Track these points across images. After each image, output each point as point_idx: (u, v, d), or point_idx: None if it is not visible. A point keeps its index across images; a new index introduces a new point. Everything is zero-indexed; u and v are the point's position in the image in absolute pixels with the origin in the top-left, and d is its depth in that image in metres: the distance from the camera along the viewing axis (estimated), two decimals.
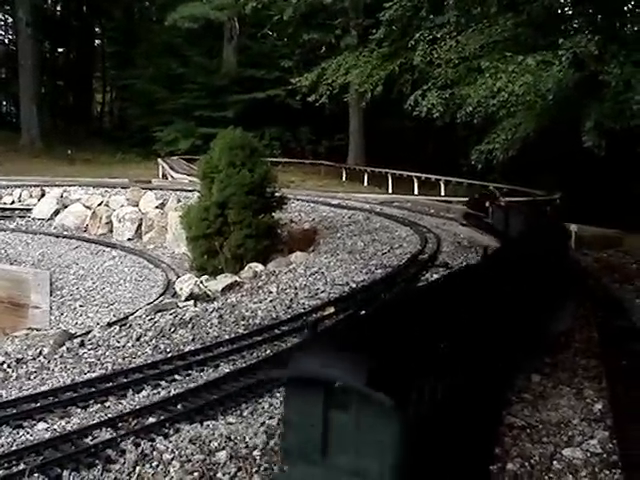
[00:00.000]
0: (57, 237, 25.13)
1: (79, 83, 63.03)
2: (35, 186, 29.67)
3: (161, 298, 16.86)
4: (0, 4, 60.61)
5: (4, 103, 66.41)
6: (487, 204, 21.63)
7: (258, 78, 46.85)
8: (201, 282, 15.59)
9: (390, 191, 34.70)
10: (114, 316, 16.47)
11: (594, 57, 15.56)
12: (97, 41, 67.22)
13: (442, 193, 31.98)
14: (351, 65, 27.84)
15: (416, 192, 32.98)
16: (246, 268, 16.99)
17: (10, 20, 61.64)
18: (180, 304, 13.96)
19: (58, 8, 64.36)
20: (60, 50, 64.93)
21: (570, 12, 24.78)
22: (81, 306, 19.01)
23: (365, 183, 38.65)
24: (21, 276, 20.30)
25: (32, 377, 9.51)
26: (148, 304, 15.90)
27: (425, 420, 4.16)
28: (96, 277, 21.28)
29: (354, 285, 13.90)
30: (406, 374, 4.03)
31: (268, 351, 10.01)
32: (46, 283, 20.23)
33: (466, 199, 25.21)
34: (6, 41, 65.07)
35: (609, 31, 17.64)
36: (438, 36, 20.42)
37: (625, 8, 19.73)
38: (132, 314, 14.31)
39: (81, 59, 61.65)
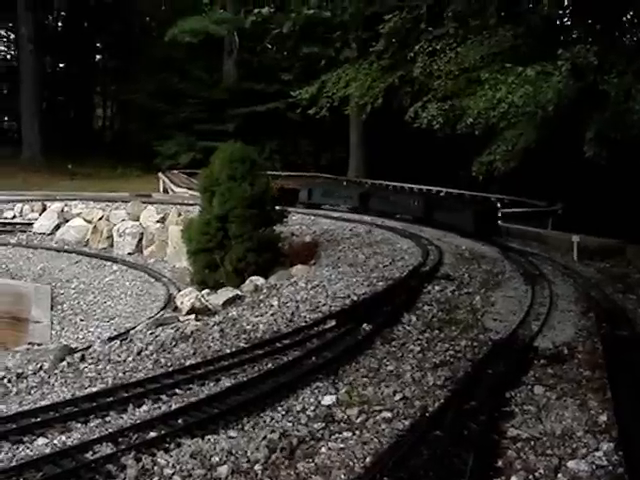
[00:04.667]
0: (58, 251, 25.09)
1: (80, 98, 63.22)
2: (36, 200, 29.69)
3: (162, 312, 16.80)
4: (3, 21, 61.04)
5: (6, 118, 66.63)
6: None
7: (258, 91, 46.92)
8: (202, 296, 15.52)
9: None
10: (115, 330, 16.41)
11: (594, 67, 15.58)
12: (98, 56, 67.51)
13: None
14: (351, 78, 27.96)
15: None
16: (247, 282, 16.90)
17: (12, 36, 61.98)
18: (181, 318, 13.91)
19: (59, 24, 64.64)
20: (61, 65, 65.16)
21: (569, 23, 24.87)
22: (82, 320, 18.95)
23: None
24: (22, 291, 20.27)
25: (32, 392, 9.45)
26: (149, 318, 15.85)
27: None
28: (97, 291, 21.23)
29: (355, 298, 13.85)
30: None
31: (270, 365, 9.94)
32: (47, 297, 20.19)
33: None
34: (8, 57, 65.41)
35: (608, 41, 17.68)
36: (438, 48, 20.50)
37: (624, 18, 19.79)
38: (133, 328, 14.26)
39: (82, 74, 61.72)
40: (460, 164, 27.17)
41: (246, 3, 44.35)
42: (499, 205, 28.92)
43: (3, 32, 64.80)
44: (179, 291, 18.47)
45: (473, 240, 20.80)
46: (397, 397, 8.59)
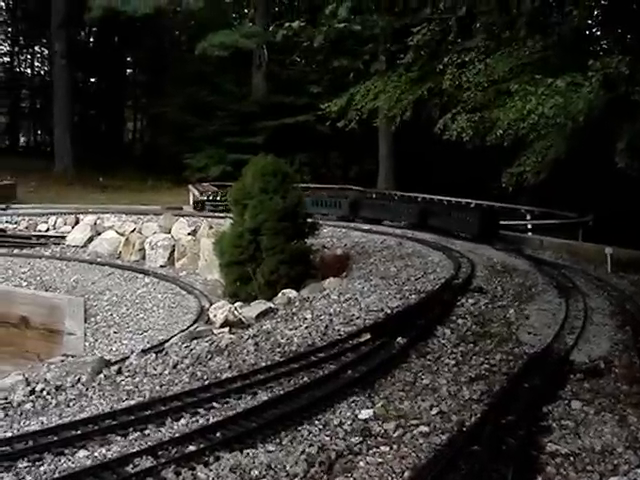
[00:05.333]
0: (91, 264, 25.36)
1: (111, 112, 64.05)
2: (69, 213, 30.13)
3: (195, 325, 16.92)
4: (37, 38, 62.41)
5: (39, 132, 67.75)
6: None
7: (287, 104, 47.03)
8: (235, 309, 15.60)
9: None
10: (148, 343, 16.55)
11: (625, 77, 15.47)
12: (129, 70, 68.38)
13: None
14: (380, 90, 27.93)
15: None
16: (280, 294, 16.97)
17: (46, 52, 63.20)
18: (215, 331, 14.00)
19: (91, 39, 65.67)
20: (93, 80, 66.14)
21: (599, 33, 24.71)
22: (115, 332, 19.14)
23: None
24: (56, 302, 20.51)
25: (71, 404, 9.56)
26: (182, 331, 15.97)
27: None
28: (129, 304, 21.42)
29: (389, 311, 13.85)
30: None
31: (306, 378, 9.97)
32: (80, 309, 20.39)
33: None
34: (42, 72, 66.64)
35: (639, 51, 17.53)
36: (467, 60, 20.49)
37: None
38: (167, 341, 14.38)
39: (113, 88, 62.60)
40: (489, 175, 27.10)
41: (274, 17, 44.57)
42: (529, 217, 28.93)
43: (37, 48, 66.21)
44: (211, 304, 18.61)
45: (505, 253, 20.71)
46: (434, 411, 8.58)
